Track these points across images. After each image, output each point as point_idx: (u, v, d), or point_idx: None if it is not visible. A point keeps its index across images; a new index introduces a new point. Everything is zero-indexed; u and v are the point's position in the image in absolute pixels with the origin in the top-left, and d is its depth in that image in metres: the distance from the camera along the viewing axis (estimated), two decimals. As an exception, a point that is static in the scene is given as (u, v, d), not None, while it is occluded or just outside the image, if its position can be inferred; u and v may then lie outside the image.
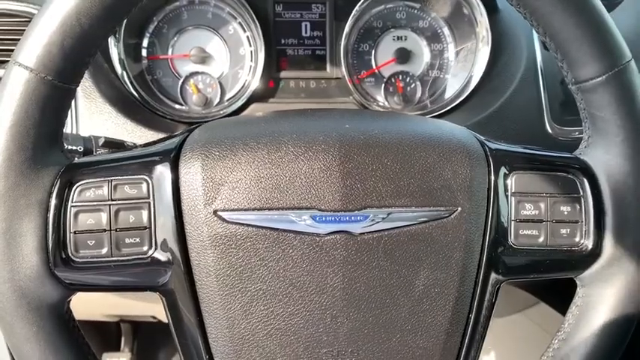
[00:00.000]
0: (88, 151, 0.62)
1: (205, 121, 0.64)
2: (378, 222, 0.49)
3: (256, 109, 0.87)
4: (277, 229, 0.49)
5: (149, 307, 0.99)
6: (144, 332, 1.28)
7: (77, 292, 0.50)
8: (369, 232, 0.49)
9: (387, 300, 0.50)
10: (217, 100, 0.88)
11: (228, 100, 0.88)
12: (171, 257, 0.49)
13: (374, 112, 0.69)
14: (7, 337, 0.49)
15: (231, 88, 0.88)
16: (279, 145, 0.50)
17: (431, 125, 0.54)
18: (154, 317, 1.09)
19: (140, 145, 0.54)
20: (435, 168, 0.50)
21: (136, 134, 0.76)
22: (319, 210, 0.49)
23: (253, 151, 0.50)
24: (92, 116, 0.75)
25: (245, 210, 0.49)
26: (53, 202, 0.48)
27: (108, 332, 1.25)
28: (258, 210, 0.49)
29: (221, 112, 0.86)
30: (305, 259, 0.49)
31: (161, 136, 0.76)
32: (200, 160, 0.49)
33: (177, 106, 0.87)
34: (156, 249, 0.49)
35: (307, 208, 0.49)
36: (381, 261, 0.49)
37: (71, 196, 0.49)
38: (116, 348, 1.25)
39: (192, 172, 0.49)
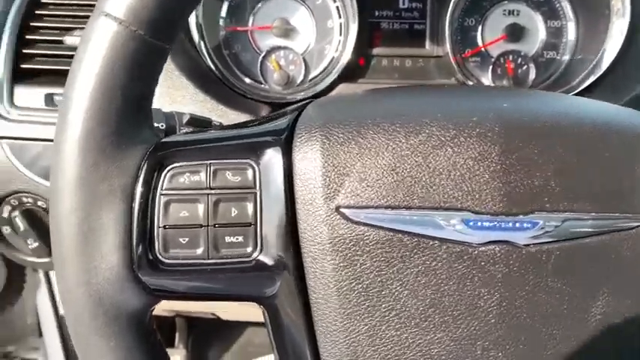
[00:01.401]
0: (170, 130, 0.52)
1: (292, 103, 0.53)
2: (549, 231, 0.38)
3: (344, 90, 0.77)
4: (418, 235, 0.38)
5: (212, 304, 0.90)
6: (198, 328, 1.20)
7: (162, 300, 0.41)
8: (537, 244, 0.38)
9: (555, 331, 0.39)
10: (300, 78, 0.78)
11: (312, 79, 0.78)
12: (280, 263, 0.40)
13: (533, 92, 0.57)
14: (79, 350, 0.41)
15: (317, 66, 0.78)
16: (420, 126, 0.39)
17: (612, 110, 0.43)
18: (213, 314, 1.00)
19: (240, 125, 0.44)
20: (623, 164, 0.39)
21: (215, 113, 0.67)
22: (473, 212, 0.38)
23: (387, 134, 0.39)
24: (168, 91, 0.66)
25: (376, 208, 0.38)
26: (139, 188, 0.39)
27: (160, 327, 1.18)
28: (394, 209, 0.38)
29: (303, 93, 0.76)
30: (452, 274, 0.38)
31: (244, 117, 0.67)
32: (319, 144, 0.39)
33: (257, 84, 0.77)
34: (262, 251, 0.40)
35: (457, 210, 0.38)
36: (550, 281, 0.38)
37: (161, 182, 0.39)
38: (169, 343, 1.17)
39: (309, 157, 0.39)
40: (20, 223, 0.68)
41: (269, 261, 0.40)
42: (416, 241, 0.38)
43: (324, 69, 0.78)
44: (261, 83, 0.77)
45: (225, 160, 0.40)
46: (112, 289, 0.39)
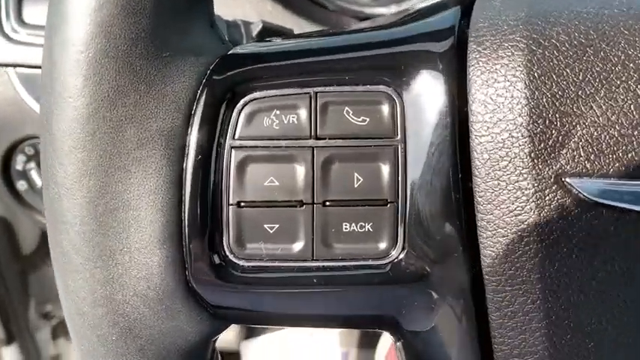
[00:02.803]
0: (234, 42, 0.34)
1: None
2: None
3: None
4: None
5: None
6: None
7: (231, 325, 0.25)
8: None
9: None
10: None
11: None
12: (440, 272, 0.22)
13: None
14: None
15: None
16: None
17: None
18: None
19: (363, 28, 0.26)
20: None
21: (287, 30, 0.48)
22: None
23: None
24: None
25: (619, 178, 0.20)
26: (195, 135, 0.22)
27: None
28: None
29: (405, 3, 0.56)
30: None
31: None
32: (523, 54, 0.21)
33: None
34: (405, 249, 0.22)
35: None
36: None
37: (232, 126, 0.22)
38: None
39: (502, 80, 0.21)
40: (37, 178, 0.53)
41: (419, 267, 0.22)
42: None
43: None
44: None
45: (341, 88, 0.22)
46: (151, 313, 0.22)
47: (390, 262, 0.23)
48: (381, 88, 0.23)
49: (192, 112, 0.22)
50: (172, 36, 0.21)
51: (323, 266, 0.23)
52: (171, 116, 0.21)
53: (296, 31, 0.47)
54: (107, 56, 0.20)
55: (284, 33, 0.38)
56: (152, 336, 0.22)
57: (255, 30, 0.35)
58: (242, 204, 0.22)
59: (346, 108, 0.22)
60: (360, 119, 0.22)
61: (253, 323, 0.25)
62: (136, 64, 0.21)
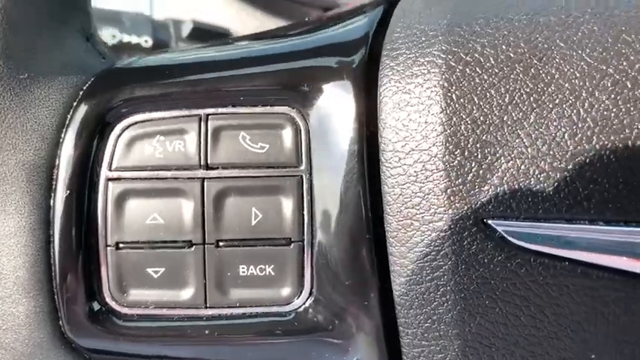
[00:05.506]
0: (160, 46, 0.31)
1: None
2: None
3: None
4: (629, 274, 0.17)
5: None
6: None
7: None
8: None
9: None
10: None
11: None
12: (351, 320, 0.19)
13: None
14: None
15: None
16: None
17: None
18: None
19: (268, 34, 0.23)
20: None
21: (245, 22, 0.45)
22: None
23: (603, 47, 0.17)
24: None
25: (551, 220, 0.17)
26: (65, 167, 0.19)
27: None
28: (591, 223, 0.17)
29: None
30: None
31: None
32: (440, 73, 0.18)
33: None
34: (312, 294, 0.19)
35: None
36: None
37: (109, 155, 0.19)
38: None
39: (414, 104, 0.18)
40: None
41: (328, 315, 0.20)
42: (628, 286, 0.17)
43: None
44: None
45: (236, 109, 0.19)
46: (21, 368, 0.20)
47: (294, 310, 0.20)
48: (283, 109, 0.19)
49: (60, 141, 0.19)
50: (32, 54, 0.18)
51: (218, 314, 0.20)
52: (34, 147, 0.18)
53: (244, 27, 0.43)
54: None
55: (217, 34, 0.35)
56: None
57: (186, 30, 0.32)
58: (121, 245, 0.19)
59: (242, 133, 0.19)
60: (258, 146, 0.19)
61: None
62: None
